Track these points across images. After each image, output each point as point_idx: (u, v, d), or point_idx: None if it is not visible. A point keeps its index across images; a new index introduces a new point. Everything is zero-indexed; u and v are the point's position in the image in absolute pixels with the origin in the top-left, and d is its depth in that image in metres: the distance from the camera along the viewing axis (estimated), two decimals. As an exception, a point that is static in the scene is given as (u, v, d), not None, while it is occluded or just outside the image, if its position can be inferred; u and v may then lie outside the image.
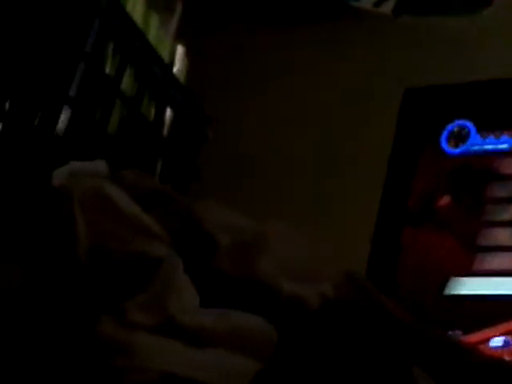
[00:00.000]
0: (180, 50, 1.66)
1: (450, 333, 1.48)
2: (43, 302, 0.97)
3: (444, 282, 1.55)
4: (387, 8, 1.82)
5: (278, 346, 0.95)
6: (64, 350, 0.91)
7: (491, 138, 1.68)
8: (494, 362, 1.11)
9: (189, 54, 1.66)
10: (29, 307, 0.96)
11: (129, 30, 1.41)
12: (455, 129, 1.70)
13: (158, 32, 1.57)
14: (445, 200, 1.66)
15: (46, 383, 0.89)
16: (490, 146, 1.67)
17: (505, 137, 1.67)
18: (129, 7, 1.48)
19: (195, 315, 0.96)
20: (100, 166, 1.18)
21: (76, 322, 0.94)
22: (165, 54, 1.59)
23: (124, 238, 1.04)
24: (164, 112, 1.52)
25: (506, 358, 1.47)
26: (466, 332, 1.50)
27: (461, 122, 1.70)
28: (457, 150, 1.69)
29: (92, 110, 1.41)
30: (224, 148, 1.75)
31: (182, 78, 1.64)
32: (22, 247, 1.02)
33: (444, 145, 1.69)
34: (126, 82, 1.45)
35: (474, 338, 1.50)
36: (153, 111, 1.52)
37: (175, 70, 1.62)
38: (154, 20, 1.56)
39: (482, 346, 1.48)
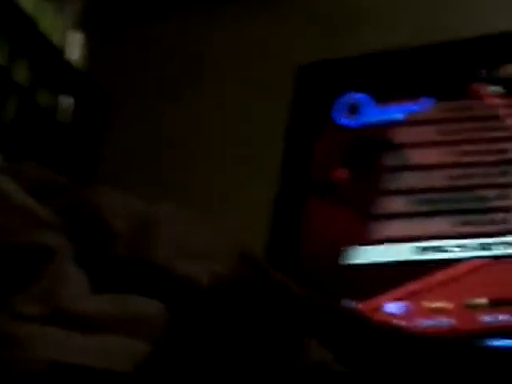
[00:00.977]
0: (79, 37, 1.65)
1: (345, 302, 1.51)
2: None
3: (341, 252, 1.58)
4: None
5: (169, 327, 0.97)
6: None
7: (386, 108, 1.71)
8: (387, 327, 1.15)
9: (90, 41, 1.65)
10: None
11: (17, 20, 1.40)
12: (349, 101, 1.72)
13: (52, 20, 1.56)
14: (342, 172, 1.69)
15: None
16: (384, 116, 1.71)
17: (399, 106, 1.70)
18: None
19: (85, 302, 0.97)
20: None
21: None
22: (61, 42, 1.58)
23: (14, 230, 1.04)
24: (60, 99, 1.51)
25: (400, 323, 1.51)
26: (361, 300, 1.53)
27: (354, 94, 1.73)
28: (352, 122, 1.72)
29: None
30: (129, 133, 1.75)
31: (82, 65, 1.63)
32: None
33: (338, 117, 1.72)
34: (20, 72, 1.44)
35: (368, 305, 1.53)
36: (50, 99, 1.52)
37: (75, 57, 1.61)
38: (48, 8, 1.55)
39: (376, 313, 1.52)
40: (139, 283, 1.02)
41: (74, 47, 1.63)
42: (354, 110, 1.74)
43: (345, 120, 1.74)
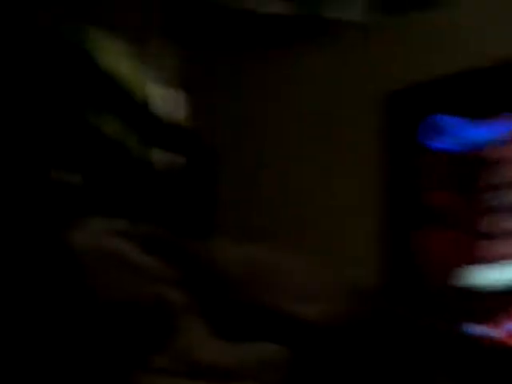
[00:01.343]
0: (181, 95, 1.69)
1: (468, 326, 1.47)
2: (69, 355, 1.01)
3: (457, 274, 1.55)
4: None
5: (291, 369, 0.99)
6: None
7: (479, 127, 1.69)
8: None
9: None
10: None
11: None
12: (436, 122, 1.71)
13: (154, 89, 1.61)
14: (441, 196, 1.68)
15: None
16: (475, 135, 1.69)
17: (493, 125, 1.68)
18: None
19: (216, 353, 1.00)
20: (119, 224, 1.21)
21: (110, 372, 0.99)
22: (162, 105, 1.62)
23: (139, 289, 1.08)
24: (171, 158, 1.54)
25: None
26: (486, 322, 1.49)
27: (443, 115, 1.71)
28: (445, 144, 1.70)
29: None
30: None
31: (185, 121, 1.67)
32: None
33: (428, 140, 1.70)
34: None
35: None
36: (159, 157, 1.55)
37: (179, 116, 1.65)
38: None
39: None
40: (262, 329, 1.05)
41: (178, 107, 1.67)
42: (444, 131, 1.73)
43: (436, 142, 1.73)
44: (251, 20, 2.00)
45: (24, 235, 1.20)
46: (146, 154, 1.59)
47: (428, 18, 1.84)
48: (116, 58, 1.59)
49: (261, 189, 1.76)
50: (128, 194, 1.50)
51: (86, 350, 1.02)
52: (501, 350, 1.06)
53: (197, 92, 1.71)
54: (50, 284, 1.10)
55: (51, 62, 1.38)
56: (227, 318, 1.07)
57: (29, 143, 1.30)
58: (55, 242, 1.15)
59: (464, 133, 1.71)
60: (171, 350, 1.00)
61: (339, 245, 1.67)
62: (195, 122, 1.68)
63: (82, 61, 1.46)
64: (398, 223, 1.66)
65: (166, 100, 1.69)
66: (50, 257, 1.13)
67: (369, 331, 1.02)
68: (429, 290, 1.59)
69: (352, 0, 1.89)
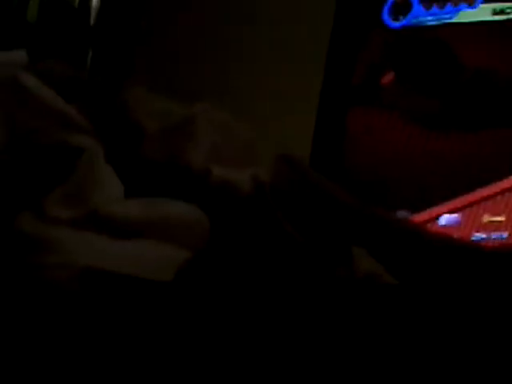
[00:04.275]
0: None
1: (397, 213, 1.46)
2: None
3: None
4: None
5: (210, 234, 0.91)
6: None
7: (435, 9, 1.62)
8: (441, 239, 1.09)
9: None
10: None
11: None
12: (397, 1, 1.63)
13: None
14: (388, 76, 1.61)
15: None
16: (433, 18, 1.61)
17: (449, 7, 1.61)
18: None
19: (120, 206, 0.91)
20: (19, 55, 1.11)
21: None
22: None
23: (43, 130, 0.98)
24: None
25: (454, 235, 1.45)
26: (414, 211, 1.48)
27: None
28: (399, 23, 1.63)
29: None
30: (160, 36, 1.67)
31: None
32: None
33: (386, 18, 1.62)
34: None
35: (421, 216, 1.47)
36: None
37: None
38: None
39: (429, 225, 1.46)
40: (174, 188, 0.96)
41: None
42: (401, 10, 1.64)
43: (392, 21, 1.65)
44: None
45: None
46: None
47: None
48: None
49: (187, 35, 1.64)
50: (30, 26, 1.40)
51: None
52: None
53: None
54: None
55: None
56: (138, 174, 0.98)
57: None
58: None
59: (422, 13, 1.63)
60: (70, 198, 0.90)
61: (274, 107, 1.58)
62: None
63: None
64: (336, 98, 1.58)
65: None
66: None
67: (297, 204, 0.94)
68: (356, 175, 1.54)
69: None
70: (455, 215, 1.47)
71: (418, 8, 1.64)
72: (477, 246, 1.33)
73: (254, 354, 0.81)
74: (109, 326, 0.82)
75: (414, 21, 1.64)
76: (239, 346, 0.81)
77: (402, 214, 1.48)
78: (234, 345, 0.81)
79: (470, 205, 1.48)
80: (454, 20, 1.61)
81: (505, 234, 1.47)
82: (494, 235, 1.46)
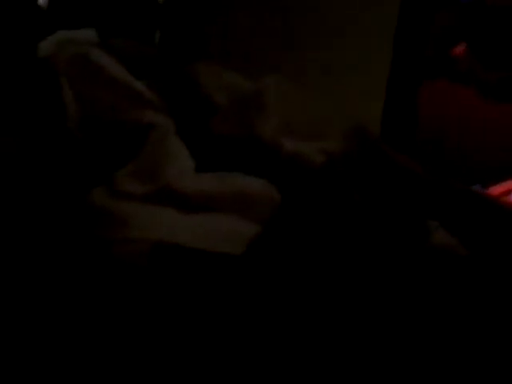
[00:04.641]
0: None
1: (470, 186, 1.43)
2: (36, 175, 0.92)
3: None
4: None
5: (280, 207, 0.90)
6: (56, 221, 0.87)
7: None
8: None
9: None
10: (23, 179, 0.92)
11: None
12: None
13: None
14: (460, 48, 1.57)
15: (43, 256, 0.85)
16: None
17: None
18: None
19: (191, 180, 0.91)
20: (88, 34, 1.12)
21: (69, 192, 0.90)
22: None
23: (114, 106, 0.98)
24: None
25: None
26: (486, 185, 1.44)
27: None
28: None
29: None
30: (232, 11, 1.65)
31: None
32: (15, 121, 0.98)
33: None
34: None
35: (495, 190, 1.44)
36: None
37: None
38: None
39: (504, 198, 1.42)
40: (244, 161, 0.96)
41: None
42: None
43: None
44: None
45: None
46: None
47: None
48: None
49: (258, 12, 1.63)
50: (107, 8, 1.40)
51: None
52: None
53: None
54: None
55: None
56: (209, 148, 0.98)
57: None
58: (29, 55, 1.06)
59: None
60: (142, 174, 0.90)
61: (344, 81, 1.56)
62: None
63: None
64: (408, 71, 1.55)
65: None
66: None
67: (370, 177, 0.93)
68: (432, 147, 1.51)
69: None
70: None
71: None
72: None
73: (333, 328, 0.80)
74: (180, 300, 0.83)
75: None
76: (311, 317, 0.81)
77: (475, 187, 1.45)
78: (306, 317, 0.81)
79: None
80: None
81: None
82: None
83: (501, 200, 1.19)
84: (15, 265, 0.83)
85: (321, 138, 0.99)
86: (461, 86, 1.55)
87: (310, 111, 1.02)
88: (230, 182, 0.92)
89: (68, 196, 0.90)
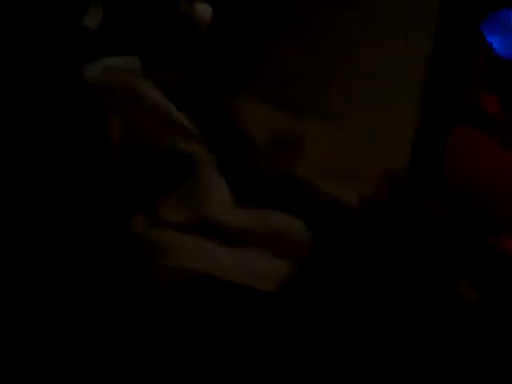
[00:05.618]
0: None
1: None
2: (77, 202, 0.95)
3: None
4: None
5: (313, 248, 0.93)
6: (96, 249, 0.89)
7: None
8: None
9: None
10: (64, 206, 0.94)
11: None
12: (500, 18, 1.60)
13: None
14: (491, 100, 1.59)
15: (79, 278, 0.87)
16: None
17: None
18: None
19: (230, 214, 0.93)
20: (133, 62, 1.15)
21: (109, 220, 0.93)
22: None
23: (156, 136, 1.01)
24: (198, 8, 1.47)
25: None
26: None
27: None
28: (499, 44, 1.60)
29: (125, 4, 1.36)
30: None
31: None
32: (56, 147, 1.01)
33: (491, 41, 1.60)
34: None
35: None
36: (188, 8, 1.47)
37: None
38: None
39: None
40: (281, 200, 0.98)
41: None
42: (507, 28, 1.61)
43: (496, 41, 1.62)
44: None
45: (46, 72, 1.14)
46: (190, 10, 1.51)
47: None
48: None
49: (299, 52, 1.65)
50: (151, 38, 1.43)
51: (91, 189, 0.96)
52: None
53: None
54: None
55: None
56: (247, 185, 1.01)
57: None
58: (74, 79, 1.08)
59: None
60: (182, 204, 0.93)
61: (374, 126, 1.58)
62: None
63: None
64: (438, 116, 1.57)
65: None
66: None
67: (404, 225, 0.95)
68: (459, 193, 1.52)
69: None
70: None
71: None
72: None
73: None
74: (212, 330, 0.85)
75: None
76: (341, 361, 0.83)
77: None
78: (334, 360, 0.83)
79: None
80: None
81: None
82: None
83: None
84: (57, 290, 0.85)
85: (356, 182, 1.01)
86: (488, 136, 1.57)
87: (346, 155, 1.05)
88: (268, 218, 0.94)
89: (108, 222, 0.92)
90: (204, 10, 1.58)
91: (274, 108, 1.07)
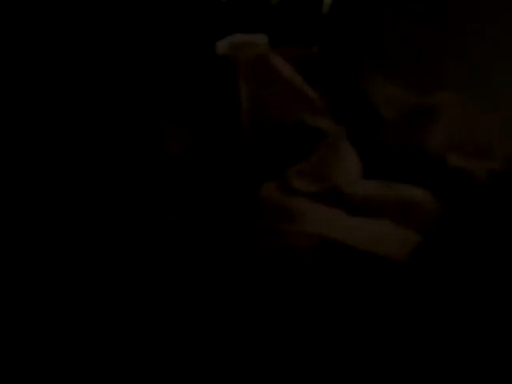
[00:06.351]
0: None
1: None
2: (207, 167, 0.98)
3: None
4: None
5: (441, 219, 0.93)
6: (228, 213, 0.92)
7: None
8: None
9: None
10: (194, 170, 0.97)
11: None
12: None
13: None
14: None
15: (214, 245, 0.90)
16: None
17: None
18: None
19: (360, 185, 0.95)
20: (262, 38, 1.17)
21: (239, 187, 0.95)
22: None
23: (287, 109, 1.03)
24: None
25: None
26: None
27: None
28: None
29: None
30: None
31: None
32: (189, 111, 1.04)
33: None
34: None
35: None
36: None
37: None
38: None
39: None
40: (410, 172, 0.99)
41: None
42: None
43: None
44: None
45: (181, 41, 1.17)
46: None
47: None
48: None
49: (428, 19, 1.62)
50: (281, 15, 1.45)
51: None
52: None
53: None
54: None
55: None
56: (376, 157, 1.02)
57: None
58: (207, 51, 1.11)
59: None
60: (312, 173, 0.95)
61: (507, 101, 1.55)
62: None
63: None
64: None
65: None
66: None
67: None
68: None
69: None
70: None
71: None
72: None
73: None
74: (338, 298, 0.86)
75: None
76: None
77: None
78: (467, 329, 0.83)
79: None
80: None
81: None
82: None
83: None
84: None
85: (485, 157, 1.01)
86: None
87: (477, 129, 1.04)
88: (395, 190, 0.95)
89: (239, 189, 0.95)
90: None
91: (402, 81, 1.07)
